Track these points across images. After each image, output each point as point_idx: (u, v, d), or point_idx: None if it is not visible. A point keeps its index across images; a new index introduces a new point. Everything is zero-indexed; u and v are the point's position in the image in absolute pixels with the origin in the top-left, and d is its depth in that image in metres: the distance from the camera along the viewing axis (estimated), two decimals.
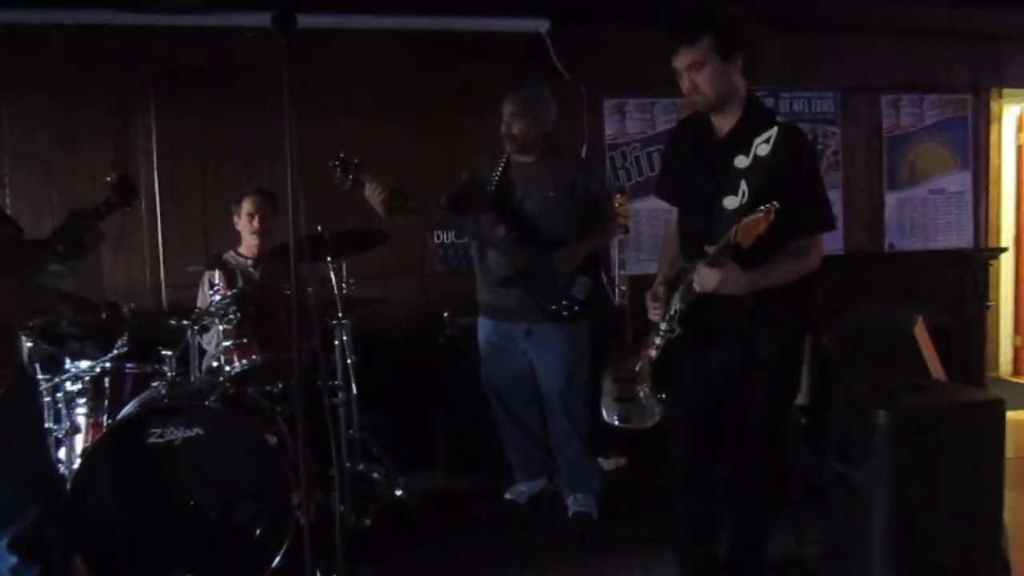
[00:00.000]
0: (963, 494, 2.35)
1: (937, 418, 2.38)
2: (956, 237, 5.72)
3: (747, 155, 2.36)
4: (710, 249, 2.28)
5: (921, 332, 3.92)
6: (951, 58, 5.57)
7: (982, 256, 5.49)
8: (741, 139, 2.39)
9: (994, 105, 5.81)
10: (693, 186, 2.53)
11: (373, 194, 3.25)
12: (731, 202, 2.36)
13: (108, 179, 2.56)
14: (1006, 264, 6.05)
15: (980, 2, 4.99)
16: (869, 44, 5.40)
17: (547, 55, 4.80)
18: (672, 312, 2.50)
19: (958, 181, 5.71)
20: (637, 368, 4.32)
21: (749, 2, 4.65)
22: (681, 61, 2.39)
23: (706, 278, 2.30)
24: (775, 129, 2.35)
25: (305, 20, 4.20)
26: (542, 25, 4.78)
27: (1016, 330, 6.36)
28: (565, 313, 3.50)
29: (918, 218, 5.63)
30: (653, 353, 2.60)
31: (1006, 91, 5.79)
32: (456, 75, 4.75)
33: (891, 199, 5.58)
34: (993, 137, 5.85)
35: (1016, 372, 6.38)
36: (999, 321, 6.16)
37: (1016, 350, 6.40)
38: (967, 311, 5.29)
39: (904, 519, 2.34)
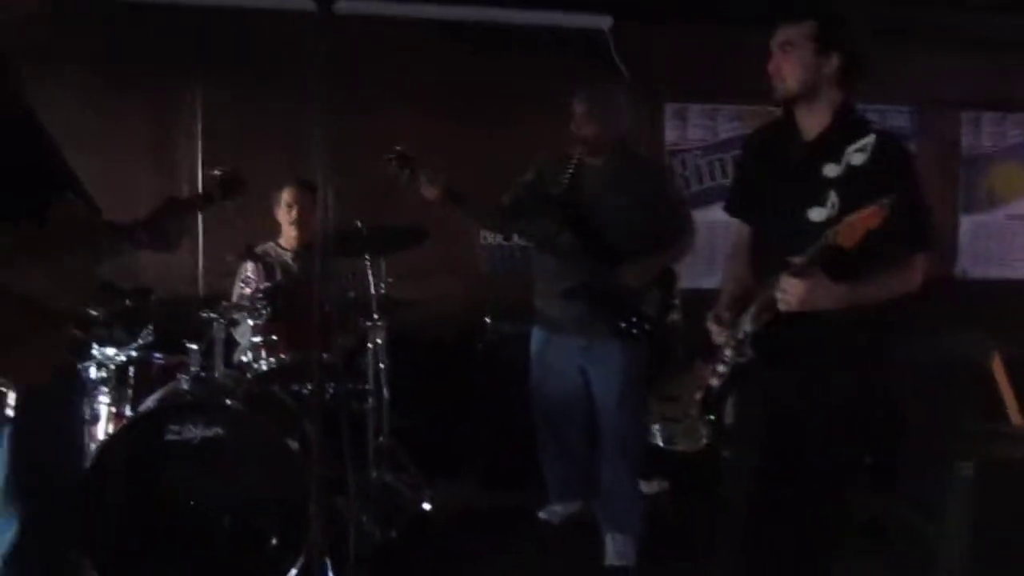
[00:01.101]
0: None
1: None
2: None
3: (838, 163, 2.15)
4: (796, 260, 2.07)
5: (998, 367, 3.65)
6: None
7: None
8: (831, 146, 2.19)
9: None
10: (774, 196, 2.32)
11: (426, 186, 3.07)
12: (818, 214, 2.15)
13: (217, 172, 2.42)
14: None
15: None
16: (948, 56, 5.08)
17: (608, 53, 4.60)
18: (741, 335, 2.28)
19: None
20: (692, 392, 4.15)
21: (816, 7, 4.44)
22: (776, 38, 2.24)
23: (792, 289, 2.08)
24: (872, 137, 2.15)
25: (355, 6, 4.13)
26: (604, 22, 4.59)
27: None
28: (635, 331, 3.26)
29: (994, 244, 5.30)
30: (715, 382, 2.38)
31: None
32: (511, 70, 4.58)
33: (966, 222, 5.26)
34: None
35: None
36: None
37: None
38: None
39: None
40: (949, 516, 2.09)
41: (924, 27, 4.71)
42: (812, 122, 2.27)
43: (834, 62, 2.20)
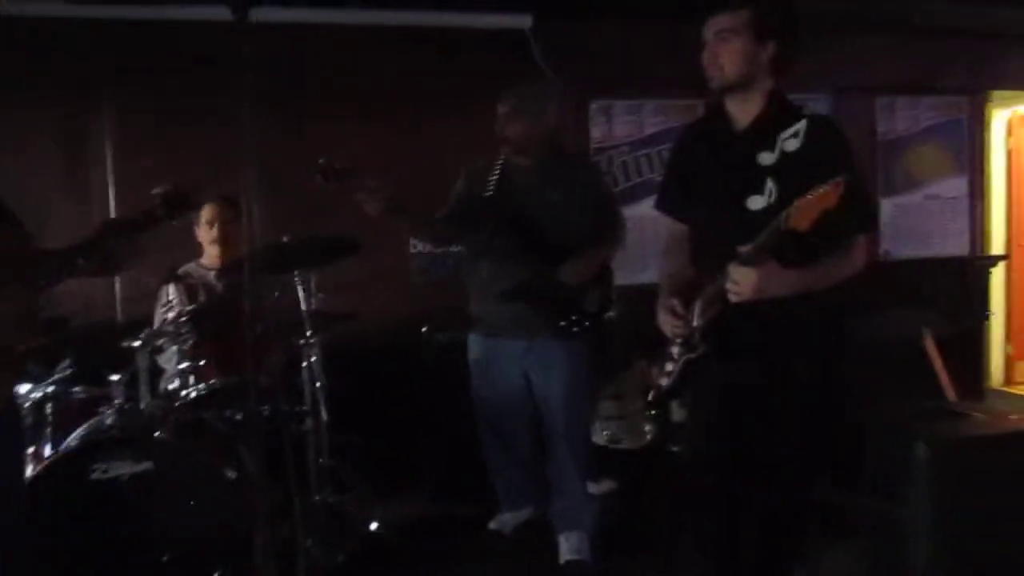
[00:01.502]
0: (1011, 528, 2.11)
1: (986, 449, 2.14)
2: (952, 244, 5.53)
3: (772, 151, 2.15)
4: (744, 248, 2.04)
5: (931, 346, 3.73)
6: (946, 59, 5.38)
7: (982, 264, 5.31)
8: (764, 134, 2.18)
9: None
10: (711, 188, 2.29)
11: (368, 202, 2.97)
12: (757, 202, 2.14)
13: (158, 191, 2.27)
14: (997, 272, 5.90)
15: (972, 0, 4.82)
16: (862, 43, 5.20)
17: (529, 53, 4.55)
18: (688, 331, 2.24)
19: (954, 186, 5.52)
20: (634, 389, 4.13)
21: None
22: (711, 27, 2.20)
23: (743, 279, 2.04)
24: (803, 122, 2.16)
25: (274, 14, 4.00)
26: (524, 21, 4.53)
27: (1008, 339, 6.22)
28: (576, 329, 3.21)
29: (914, 224, 5.42)
30: (664, 380, 2.34)
31: (995, 95, 5.64)
32: (434, 73, 4.50)
33: (887, 205, 5.36)
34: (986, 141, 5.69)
35: (1008, 382, 6.25)
36: (990, 329, 6.00)
37: (1008, 359, 6.26)
38: (967, 321, 5.12)
39: (951, 557, 2.09)
40: (911, 497, 2.09)
41: (837, 14, 4.80)
42: (744, 111, 2.25)
43: (770, 50, 2.18)
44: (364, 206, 2.98)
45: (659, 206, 2.58)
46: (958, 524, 2.12)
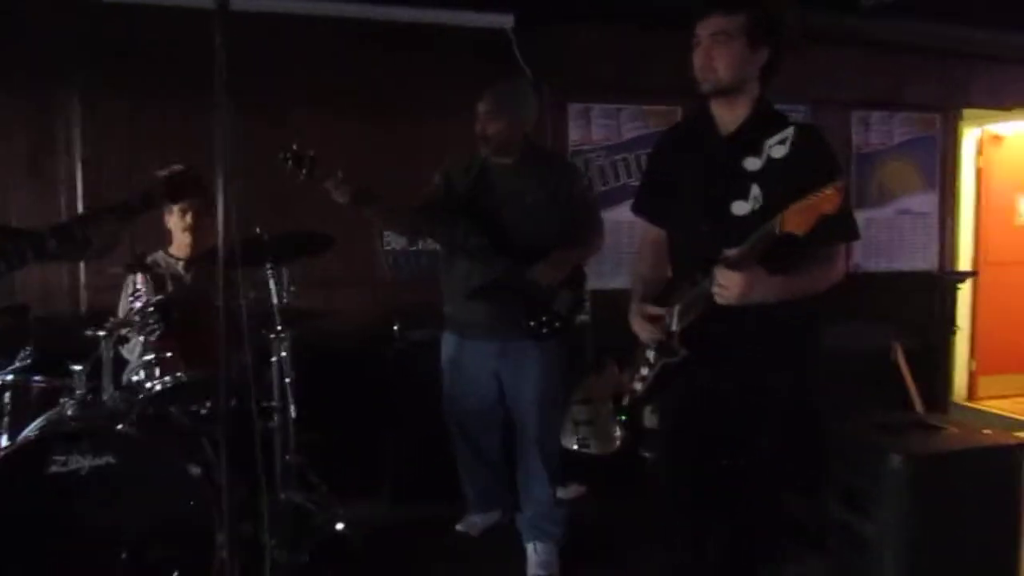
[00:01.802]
0: (981, 545, 2.11)
1: (957, 464, 2.14)
2: (921, 259, 5.58)
3: (758, 156, 2.12)
4: (731, 252, 2.01)
5: (901, 359, 3.76)
6: (921, 75, 5.44)
7: (950, 279, 5.37)
8: (750, 139, 2.16)
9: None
10: (693, 192, 2.27)
11: (336, 190, 2.92)
12: (740, 207, 2.12)
13: (163, 172, 2.18)
14: (963, 287, 5.96)
15: (947, 19, 4.87)
16: (840, 57, 5.23)
17: (511, 53, 4.52)
18: (665, 335, 2.22)
19: (925, 202, 5.58)
20: (605, 393, 4.10)
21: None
22: (707, 27, 2.16)
23: (729, 282, 2.01)
24: (791, 129, 2.14)
25: (250, 4, 3.92)
26: (506, 21, 4.50)
27: (972, 355, 6.30)
28: (545, 330, 3.18)
29: (884, 238, 5.47)
30: (639, 386, 2.31)
31: (966, 112, 5.71)
32: (414, 70, 4.45)
33: (859, 218, 5.35)
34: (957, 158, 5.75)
35: (971, 397, 6.33)
36: (955, 345, 6.08)
37: (971, 375, 6.34)
38: (934, 335, 5.17)
39: (921, 572, 2.09)
40: (884, 511, 2.08)
41: (817, 28, 4.83)
42: (730, 116, 2.23)
43: (763, 56, 2.16)
44: (332, 194, 2.93)
45: (636, 208, 2.56)
46: (928, 538, 2.12)
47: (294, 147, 2.92)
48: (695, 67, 2.20)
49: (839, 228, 2.10)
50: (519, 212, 3.20)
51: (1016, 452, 2.21)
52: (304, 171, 2.90)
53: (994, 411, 5.97)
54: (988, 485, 2.16)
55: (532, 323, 3.17)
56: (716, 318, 2.09)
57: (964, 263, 5.96)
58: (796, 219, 1.86)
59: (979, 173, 6.15)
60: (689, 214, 2.30)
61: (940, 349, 5.35)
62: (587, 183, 3.45)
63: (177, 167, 2.24)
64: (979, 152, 6.16)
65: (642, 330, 2.30)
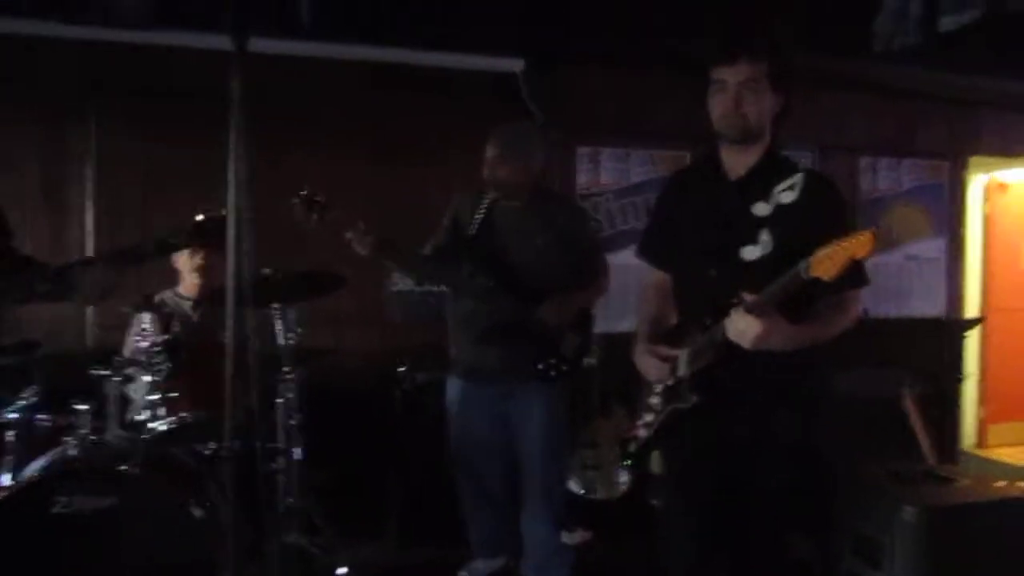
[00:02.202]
0: None
1: (970, 515, 2.10)
2: (930, 305, 5.57)
3: (767, 202, 2.13)
4: (751, 296, 1.98)
5: (911, 405, 3.72)
6: (930, 122, 5.48)
7: (959, 326, 5.35)
8: (760, 185, 2.17)
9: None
10: (701, 237, 2.27)
11: (358, 242, 2.94)
12: (751, 252, 2.12)
13: (198, 218, 2.18)
14: (972, 335, 5.94)
15: (958, 67, 4.91)
16: (848, 103, 5.28)
17: (519, 96, 4.56)
18: (673, 381, 2.20)
19: (933, 248, 5.58)
20: (611, 437, 4.07)
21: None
22: (737, 73, 2.15)
23: (747, 328, 1.97)
24: (800, 176, 2.16)
25: (264, 45, 3.97)
26: (516, 65, 4.56)
27: (981, 402, 6.25)
28: (553, 372, 3.17)
29: (893, 284, 5.47)
30: (643, 432, 2.29)
31: (973, 160, 5.75)
32: (424, 112, 4.50)
33: (867, 263, 5.38)
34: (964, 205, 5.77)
35: (980, 445, 6.27)
36: (964, 392, 6.03)
37: (980, 423, 6.29)
38: (943, 382, 5.13)
39: None
40: (896, 562, 2.04)
41: (826, 74, 4.87)
42: (741, 162, 2.24)
43: (779, 103, 2.19)
44: (353, 245, 2.95)
45: (641, 252, 2.56)
46: None
47: (304, 192, 2.94)
48: (718, 112, 2.19)
49: (851, 274, 2.09)
50: (526, 254, 3.20)
51: None
52: (315, 216, 2.92)
53: (1004, 460, 5.91)
54: (1001, 537, 2.12)
55: (540, 365, 3.16)
56: (727, 364, 2.08)
57: (972, 309, 5.95)
58: (825, 264, 1.83)
59: (986, 219, 6.16)
60: (697, 259, 2.30)
61: (949, 396, 5.30)
62: (595, 225, 3.45)
63: (202, 215, 2.24)
64: (986, 199, 6.18)
65: (650, 368, 2.29)
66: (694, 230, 2.31)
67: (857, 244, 1.80)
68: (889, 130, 5.40)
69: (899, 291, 5.49)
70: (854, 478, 2.35)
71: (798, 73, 2.27)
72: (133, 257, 2.16)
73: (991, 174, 6.09)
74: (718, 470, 2.22)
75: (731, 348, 2.04)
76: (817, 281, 1.86)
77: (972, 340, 5.95)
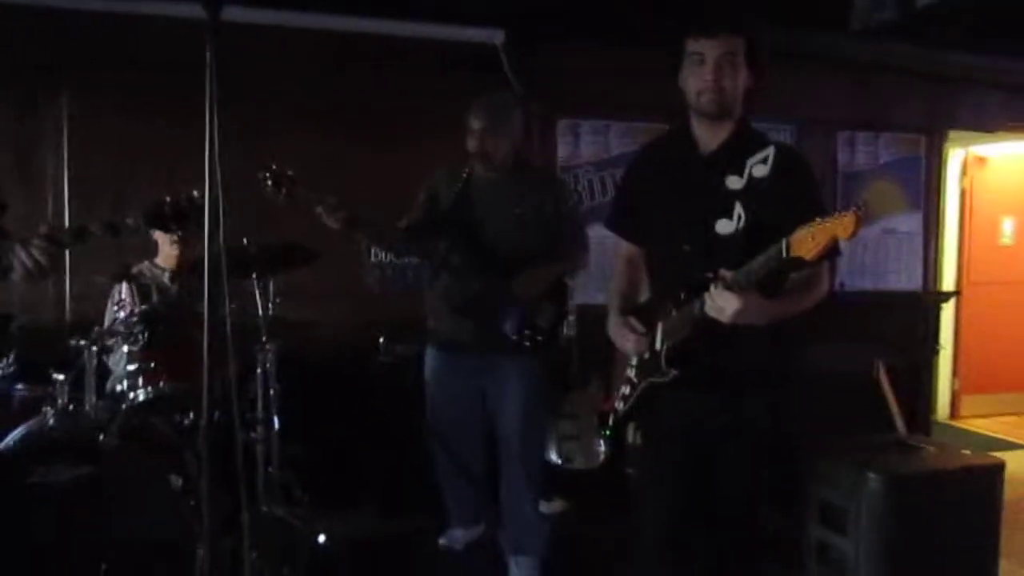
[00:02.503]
0: (960, 565, 2.12)
1: (935, 483, 2.15)
2: (906, 279, 5.63)
3: (741, 176, 2.14)
4: (728, 273, 1.98)
5: (884, 379, 3.78)
6: (907, 97, 5.50)
7: (934, 299, 5.42)
8: (732, 158, 2.17)
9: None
10: (674, 210, 2.27)
11: (328, 216, 2.93)
12: (725, 226, 2.12)
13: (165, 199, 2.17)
14: (947, 307, 6.02)
15: (935, 43, 4.93)
16: (826, 78, 5.29)
17: (499, 68, 4.54)
18: (649, 354, 2.23)
19: (910, 222, 5.63)
20: (590, 409, 4.11)
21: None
22: (716, 47, 2.14)
23: (726, 304, 1.97)
24: (771, 149, 2.16)
25: (238, 14, 3.93)
26: (496, 36, 4.52)
27: (955, 373, 6.36)
28: (528, 343, 3.18)
29: (869, 258, 5.51)
30: (620, 405, 2.32)
31: (952, 134, 5.78)
32: (403, 84, 4.46)
33: None
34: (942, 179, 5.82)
35: (953, 415, 6.38)
36: (939, 364, 6.12)
37: (954, 394, 6.40)
38: (917, 354, 5.21)
39: None
40: (861, 530, 2.09)
41: (805, 50, 4.88)
42: (714, 136, 2.24)
43: (753, 79, 2.19)
44: (324, 220, 2.94)
45: (612, 226, 2.56)
46: (905, 558, 2.12)
47: (273, 167, 2.92)
48: (696, 86, 2.17)
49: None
50: (504, 226, 3.20)
51: (994, 472, 2.22)
52: (283, 191, 2.91)
53: (977, 430, 6.03)
54: (966, 505, 2.17)
55: (515, 337, 3.17)
56: (703, 339, 2.09)
57: (948, 283, 6.02)
58: (807, 244, 1.80)
59: (964, 194, 6.24)
60: (670, 233, 2.30)
61: (923, 368, 5.38)
62: (574, 197, 3.45)
63: (168, 198, 2.22)
64: (964, 173, 6.25)
65: (625, 340, 2.30)
66: (667, 204, 2.30)
67: (840, 225, 1.75)
68: (866, 105, 5.41)
69: (876, 265, 5.53)
70: (822, 450, 2.38)
71: (771, 49, 2.26)
72: (76, 238, 2.14)
73: (969, 148, 6.15)
74: (691, 442, 2.24)
75: (708, 322, 2.05)
76: (798, 260, 1.84)
77: (947, 313, 6.04)
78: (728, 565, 2.28)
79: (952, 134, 5.77)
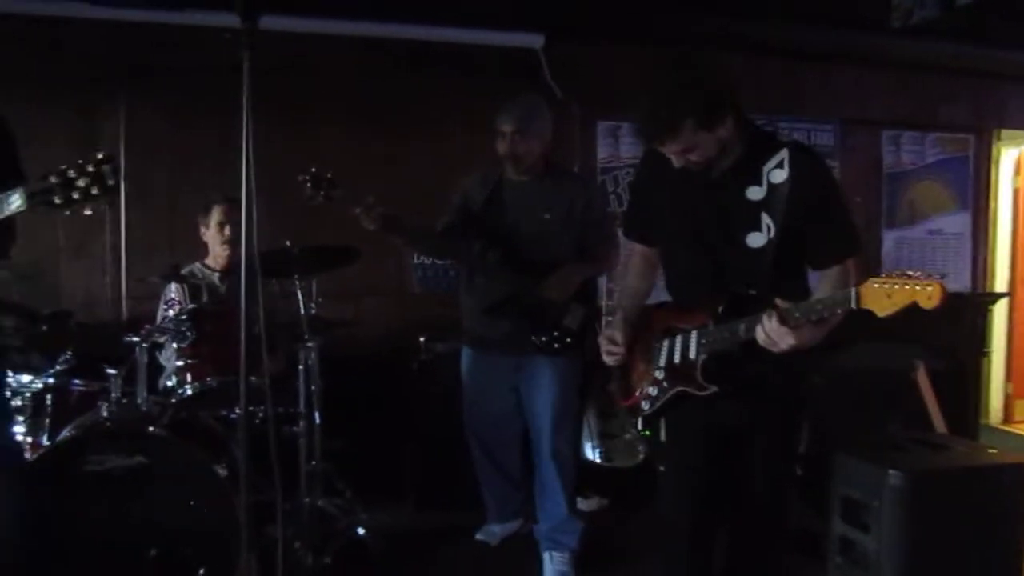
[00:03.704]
0: (982, 564, 2.12)
1: (957, 481, 2.15)
2: (953, 279, 5.54)
3: (760, 185, 2.11)
4: (785, 305, 1.94)
5: (923, 379, 3.74)
6: (954, 96, 5.43)
7: (981, 300, 5.32)
8: (748, 169, 2.15)
9: (992, 147, 5.67)
10: (692, 223, 2.26)
11: (365, 217, 3.01)
12: (756, 239, 2.11)
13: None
14: (999, 309, 5.90)
15: (983, 41, 4.85)
16: (870, 77, 5.24)
17: (540, 72, 4.61)
18: (687, 360, 2.24)
19: (957, 222, 5.55)
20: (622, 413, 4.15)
21: (744, 26, 4.53)
22: (669, 150, 2.11)
23: (779, 339, 1.93)
24: (784, 151, 2.12)
25: (285, 23, 4.06)
26: (536, 41, 4.59)
27: (1008, 377, 6.20)
28: (556, 345, 3.23)
29: (915, 258, 5.45)
30: (647, 405, 2.35)
31: (1004, 133, 5.67)
32: (444, 89, 4.56)
33: (888, 237, 5.41)
34: (991, 179, 5.71)
35: (1007, 420, 6.23)
36: (991, 367, 6.00)
37: (1007, 398, 6.25)
38: (964, 357, 5.11)
39: None
40: (883, 526, 2.10)
41: (849, 50, 4.85)
42: (724, 157, 2.18)
43: (729, 121, 2.09)
44: (361, 221, 3.02)
45: (628, 234, 2.55)
46: (927, 555, 2.12)
47: (313, 169, 3.02)
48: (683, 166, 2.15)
49: (845, 243, 2.12)
50: (535, 228, 3.26)
51: (1019, 470, 2.21)
52: (322, 193, 3.00)
53: None
54: (989, 503, 2.16)
55: (543, 338, 3.22)
56: (744, 356, 2.08)
57: (1001, 285, 5.89)
58: (881, 301, 1.76)
59: (1017, 193, 6.08)
60: (697, 246, 2.27)
61: (971, 371, 5.28)
62: (603, 199, 3.47)
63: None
64: (1017, 173, 6.10)
65: (607, 350, 2.35)
66: (689, 220, 2.27)
67: (923, 294, 1.70)
68: (912, 104, 5.36)
69: (922, 265, 5.46)
70: (849, 447, 2.39)
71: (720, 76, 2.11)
72: None
73: (1022, 148, 6.01)
74: (715, 435, 2.26)
75: (752, 344, 2.03)
76: (866, 312, 1.79)
77: (1000, 315, 5.91)
78: (751, 558, 2.31)
79: (1005, 133, 5.66)
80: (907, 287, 1.72)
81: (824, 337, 2.04)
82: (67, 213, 1.97)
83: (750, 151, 2.16)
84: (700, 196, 2.22)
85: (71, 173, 1.96)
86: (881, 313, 1.76)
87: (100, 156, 1.98)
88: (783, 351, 1.94)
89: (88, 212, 1.99)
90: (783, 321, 1.92)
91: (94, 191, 1.97)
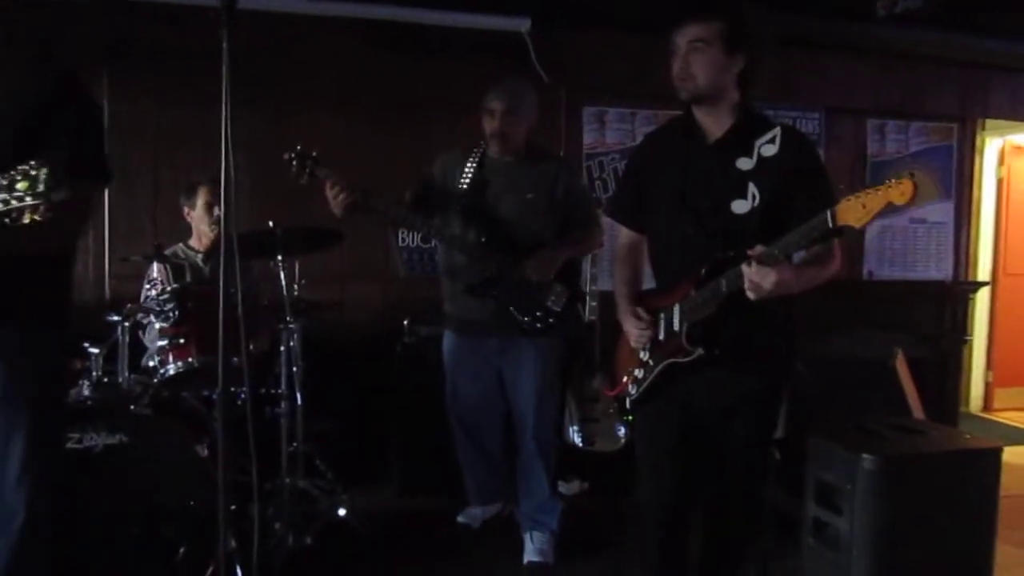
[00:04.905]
0: (954, 549, 2.16)
1: (930, 466, 2.18)
2: (935, 268, 5.59)
3: (751, 157, 2.18)
4: (761, 248, 1.99)
5: (902, 366, 3.78)
6: (939, 86, 5.46)
7: (963, 289, 5.38)
8: (741, 141, 2.21)
9: (976, 137, 5.71)
10: (685, 194, 2.29)
11: (334, 195, 3.01)
12: (741, 206, 2.16)
13: None
14: (981, 298, 5.96)
15: (968, 31, 4.88)
16: (856, 66, 5.27)
17: (526, 56, 4.60)
18: (663, 335, 2.26)
19: (940, 211, 5.60)
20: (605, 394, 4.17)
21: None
22: (684, 35, 2.19)
23: (762, 279, 1.97)
24: (778, 129, 2.20)
25: (270, 4, 4.03)
26: (523, 24, 4.58)
27: (989, 366, 6.28)
28: (539, 326, 3.24)
29: (898, 247, 5.50)
30: (634, 389, 2.37)
31: (988, 123, 5.72)
32: (429, 71, 4.55)
33: (872, 226, 5.41)
34: (975, 169, 5.75)
35: (987, 408, 6.31)
36: (972, 356, 6.06)
37: (988, 386, 6.32)
38: (945, 345, 5.17)
39: (891, 571, 2.14)
40: (856, 510, 2.13)
41: (835, 39, 4.86)
42: (716, 123, 2.26)
43: (740, 63, 2.20)
44: (331, 201, 3.00)
45: (615, 215, 2.60)
46: (901, 538, 2.15)
47: (298, 147, 3.02)
48: (673, 74, 2.24)
49: (820, 205, 2.14)
50: (517, 208, 3.26)
51: (992, 455, 2.25)
52: (307, 172, 3.00)
53: (1009, 423, 5.95)
54: (963, 488, 2.19)
55: (525, 319, 3.23)
56: (726, 317, 2.13)
57: (983, 274, 5.95)
58: (856, 211, 1.80)
59: (1000, 183, 6.13)
60: (680, 216, 2.31)
61: (951, 359, 5.34)
62: (583, 180, 3.48)
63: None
64: (1001, 163, 6.15)
65: (635, 329, 2.36)
66: (675, 189, 2.32)
67: (896, 190, 1.74)
68: (897, 93, 5.39)
69: (904, 254, 5.52)
70: (824, 432, 2.42)
71: (761, 33, 2.29)
72: None
73: (1006, 137, 6.05)
74: (690, 418, 2.29)
75: (733, 301, 2.09)
76: (844, 228, 1.84)
77: (981, 304, 5.97)
78: (727, 542, 2.34)
79: (989, 123, 5.70)
80: (879, 191, 1.76)
81: (807, 290, 2.09)
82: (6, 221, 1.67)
83: (744, 125, 2.23)
84: (691, 162, 2.28)
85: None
86: (858, 224, 1.79)
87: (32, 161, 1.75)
88: (769, 293, 1.98)
89: (26, 221, 1.66)
90: (761, 262, 1.97)
91: (28, 199, 1.66)
